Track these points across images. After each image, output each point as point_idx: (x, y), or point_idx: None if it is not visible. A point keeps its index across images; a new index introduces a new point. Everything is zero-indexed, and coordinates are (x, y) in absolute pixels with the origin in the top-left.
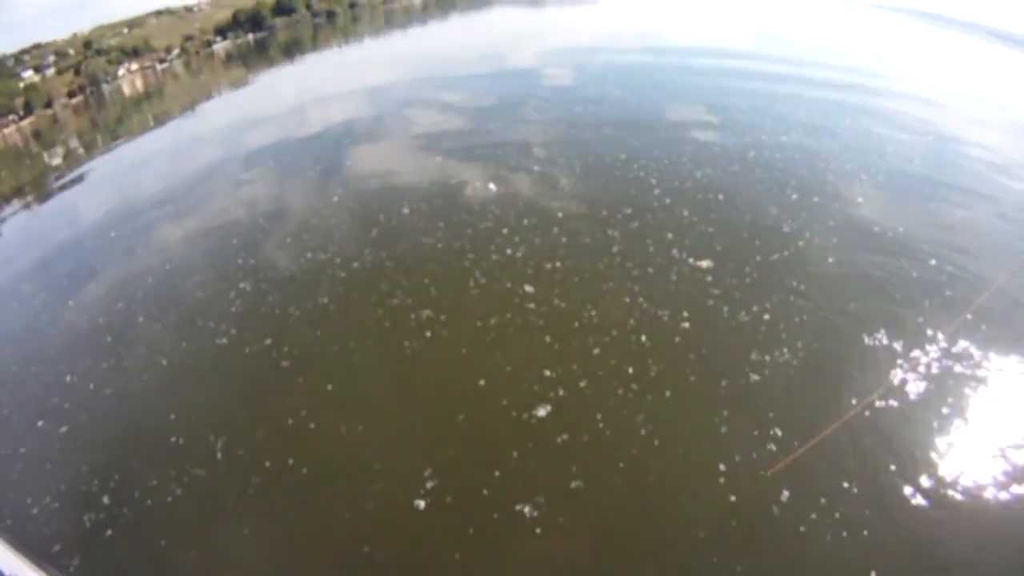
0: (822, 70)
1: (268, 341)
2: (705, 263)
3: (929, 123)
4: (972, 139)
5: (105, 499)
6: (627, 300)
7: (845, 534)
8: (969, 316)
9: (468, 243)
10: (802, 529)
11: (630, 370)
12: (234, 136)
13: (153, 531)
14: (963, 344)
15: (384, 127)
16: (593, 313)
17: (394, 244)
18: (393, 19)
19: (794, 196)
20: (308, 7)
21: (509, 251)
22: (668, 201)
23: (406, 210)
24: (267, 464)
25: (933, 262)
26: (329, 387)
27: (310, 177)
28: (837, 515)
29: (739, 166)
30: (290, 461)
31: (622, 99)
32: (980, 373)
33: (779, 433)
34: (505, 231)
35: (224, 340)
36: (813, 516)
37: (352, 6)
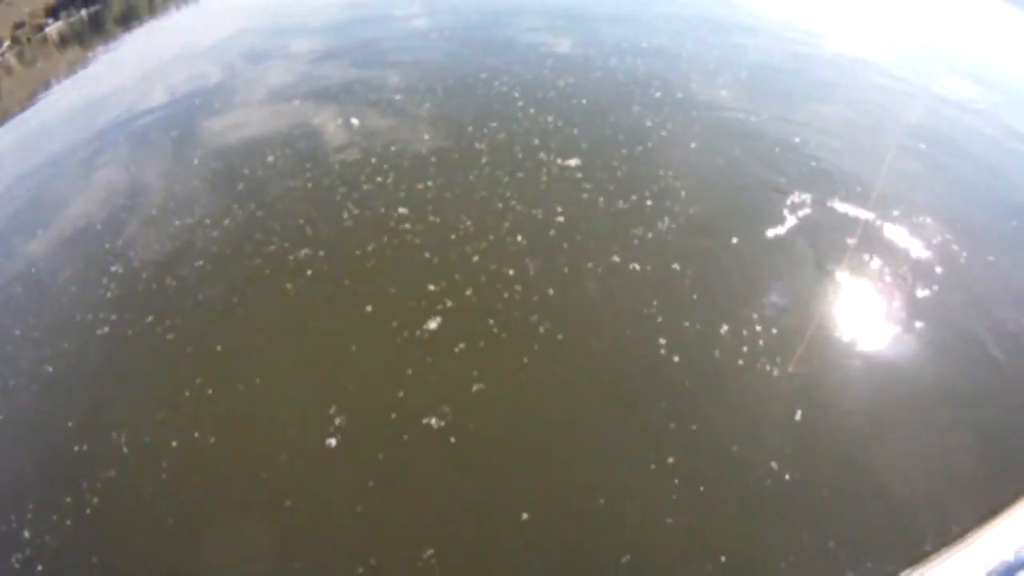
0: None
1: (150, 319)
2: (573, 161)
3: (788, 23)
4: (831, 39)
5: (26, 534)
6: (500, 205)
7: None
8: (832, 179)
9: (337, 178)
10: (741, 362)
11: (511, 272)
12: (80, 121)
13: (82, 550)
14: (831, 201)
15: (235, 83)
16: (468, 223)
17: (263, 194)
18: None
19: (657, 94)
20: None
21: (379, 179)
22: (532, 111)
23: (270, 158)
24: (174, 444)
25: (797, 140)
26: (219, 348)
27: (166, 146)
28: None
29: (601, 73)
30: (196, 434)
31: (479, 22)
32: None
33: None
34: (373, 160)
35: (105, 329)
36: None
37: None
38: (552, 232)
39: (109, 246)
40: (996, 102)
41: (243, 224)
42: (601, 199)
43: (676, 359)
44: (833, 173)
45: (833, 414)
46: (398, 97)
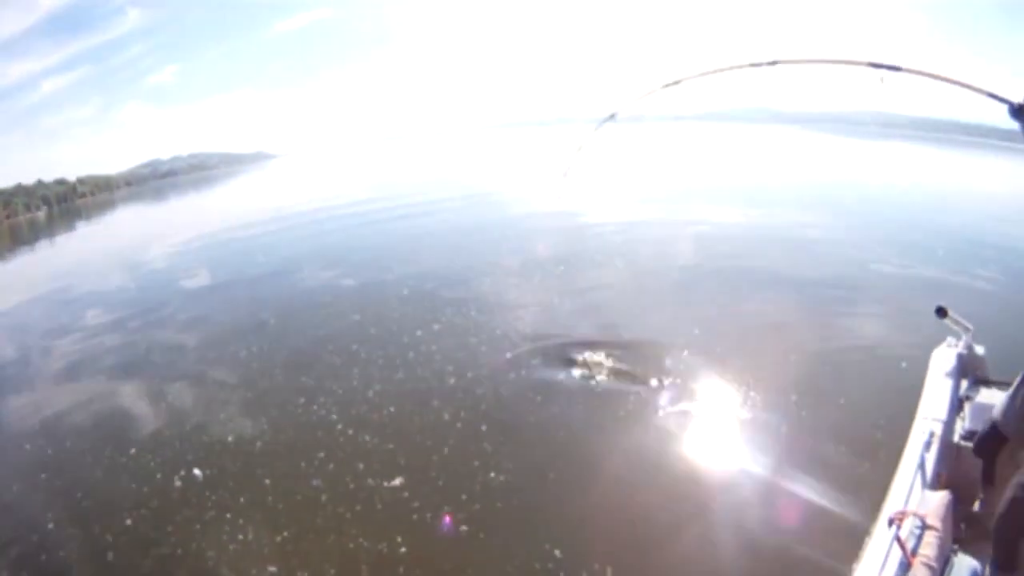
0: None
1: None
2: (397, 481)
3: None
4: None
5: None
6: (351, 546)
7: None
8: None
9: (202, 540)
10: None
11: None
12: None
13: None
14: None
15: (34, 375)
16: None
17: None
18: (19, 235)
19: (451, 380)
20: None
21: (240, 536)
22: (351, 432)
23: (128, 521)
24: None
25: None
26: None
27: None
28: None
29: (403, 372)
30: None
31: (280, 328)
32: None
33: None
34: (228, 515)
35: None
36: None
37: None
38: (402, 569)
39: None
40: None
41: None
42: (428, 515)
43: None
44: (630, 348)
45: None
46: (230, 439)
